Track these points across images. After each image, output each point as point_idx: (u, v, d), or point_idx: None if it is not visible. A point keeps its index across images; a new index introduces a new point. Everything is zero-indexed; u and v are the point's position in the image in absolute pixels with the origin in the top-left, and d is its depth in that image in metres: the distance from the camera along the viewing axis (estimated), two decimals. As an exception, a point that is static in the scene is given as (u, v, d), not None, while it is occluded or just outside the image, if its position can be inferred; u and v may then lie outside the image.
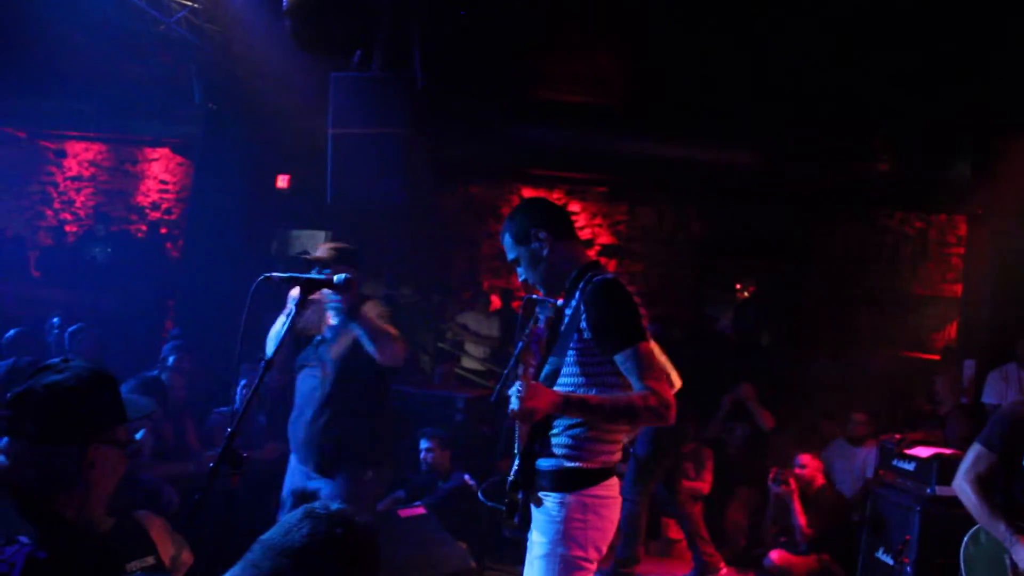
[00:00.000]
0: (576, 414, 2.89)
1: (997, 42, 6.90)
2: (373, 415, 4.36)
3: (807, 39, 7.35)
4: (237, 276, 9.35)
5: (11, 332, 5.60)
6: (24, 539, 1.88)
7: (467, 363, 10.14)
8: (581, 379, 2.95)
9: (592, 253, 11.82)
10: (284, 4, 6.58)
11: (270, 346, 4.07)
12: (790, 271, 11.35)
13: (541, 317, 3.17)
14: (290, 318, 3.08)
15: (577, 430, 2.95)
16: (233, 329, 7.61)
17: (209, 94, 8.59)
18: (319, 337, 4.40)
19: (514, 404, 2.80)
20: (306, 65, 7.47)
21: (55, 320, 7.39)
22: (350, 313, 4.09)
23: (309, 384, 4.36)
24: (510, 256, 3.18)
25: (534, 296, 4.98)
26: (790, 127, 9.01)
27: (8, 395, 2.20)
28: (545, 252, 3.09)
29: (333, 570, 1.65)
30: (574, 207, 11.81)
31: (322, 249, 4.22)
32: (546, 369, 3.04)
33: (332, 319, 4.33)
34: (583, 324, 2.93)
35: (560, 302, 5.19)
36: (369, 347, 4.08)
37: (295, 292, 3.67)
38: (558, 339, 3.05)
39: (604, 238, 11.83)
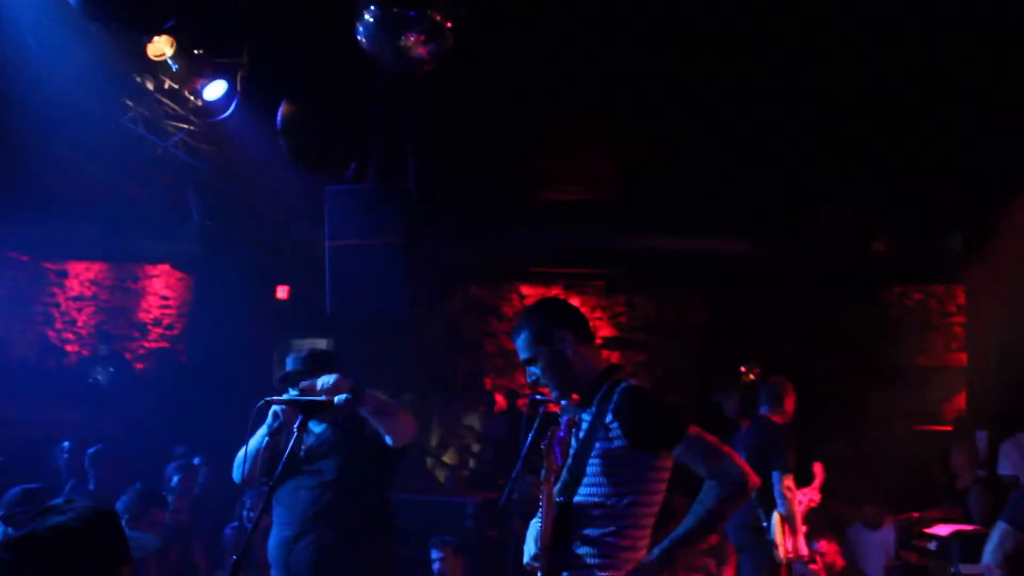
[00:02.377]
0: (681, 559, 2.86)
1: (984, 115, 7.05)
2: (384, 530, 4.06)
3: (795, 125, 7.51)
4: (240, 388, 9.41)
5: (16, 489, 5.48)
6: None
7: (474, 465, 10.04)
8: (608, 488, 2.90)
9: (595, 346, 11.84)
10: (279, 123, 6.74)
11: (243, 466, 3.84)
12: (795, 352, 11.33)
13: (563, 420, 3.14)
14: (292, 440, 3.00)
15: (611, 539, 2.89)
16: (237, 445, 7.58)
17: (207, 211, 8.72)
18: (304, 446, 4.01)
19: None
20: (302, 178, 7.61)
21: (65, 444, 7.34)
22: (353, 402, 3.80)
23: (302, 499, 3.94)
24: (524, 355, 3.12)
25: (538, 396, 4.98)
26: (784, 211, 9.13)
27: (10, 536, 2.17)
28: (568, 354, 3.04)
29: None
30: (573, 301, 11.79)
31: (292, 362, 4.01)
32: (564, 476, 3.01)
33: (315, 427, 4.03)
34: (614, 433, 2.88)
35: (564, 402, 5.19)
36: (379, 427, 3.84)
37: (276, 408, 3.67)
38: (576, 445, 3.02)
39: (605, 331, 11.84)
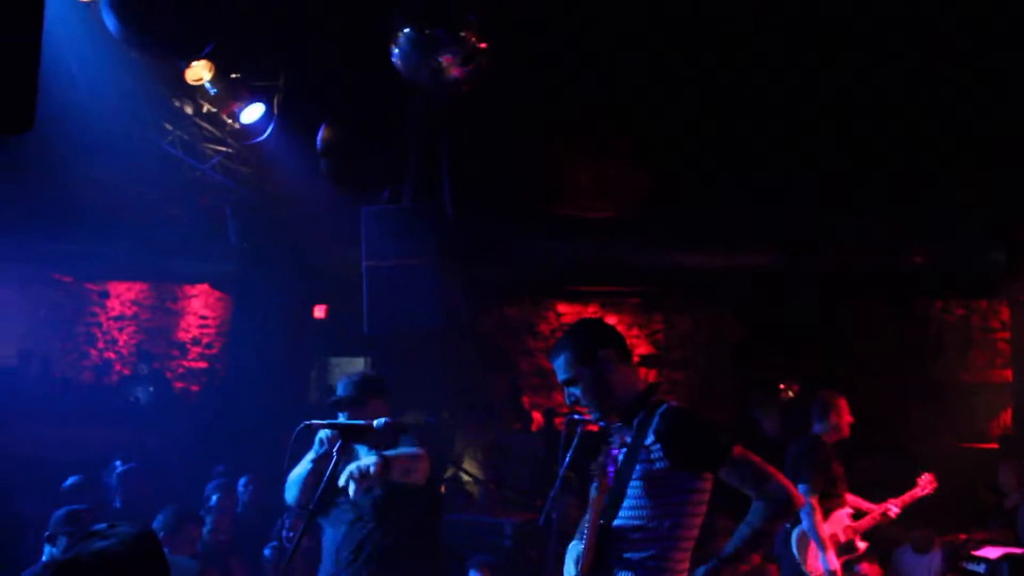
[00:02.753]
0: (729, 572, 2.85)
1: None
2: (428, 559, 3.93)
3: (833, 136, 7.46)
4: (278, 407, 9.48)
5: (69, 480, 5.60)
6: None
7: (513, 484, 10.00)
8: (650, 511, 2.88)
9: (632, 365, 11.80)
10: (319, 145, 6.80)
11: (292, 490, 3.84)
12: (833, 368, 11.19)
13: (615, 439, 3.10)
14: (332, 464, 3.00)
15: (652, 563, 2.87)
16: (277, 462, 7.58)
17: (245, 232, 8.82)
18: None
19: None
20: (338, 198, 7.67)
21: (117, 463, 7.43)
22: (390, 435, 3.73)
23: (343, 534, 3.87)
24: (565, 376, 3.08)
25: (576, 415, 4.94)
26: (821, 224, 9.04)
27: (55, 560, 2.19)
28: (609, 375, 3.02)
29: None
30: (610, 319, 11.80)
31: (343, 387, 3.93)
32: (603, 500, 2.98)
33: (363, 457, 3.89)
34: (655, 455, 2.87)
35: (604, 422, 5.14)
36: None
37: (323, 433, 3.65)
38: (616, 468, 3.00)
39: (642, 348, 11.77)
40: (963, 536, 5.99)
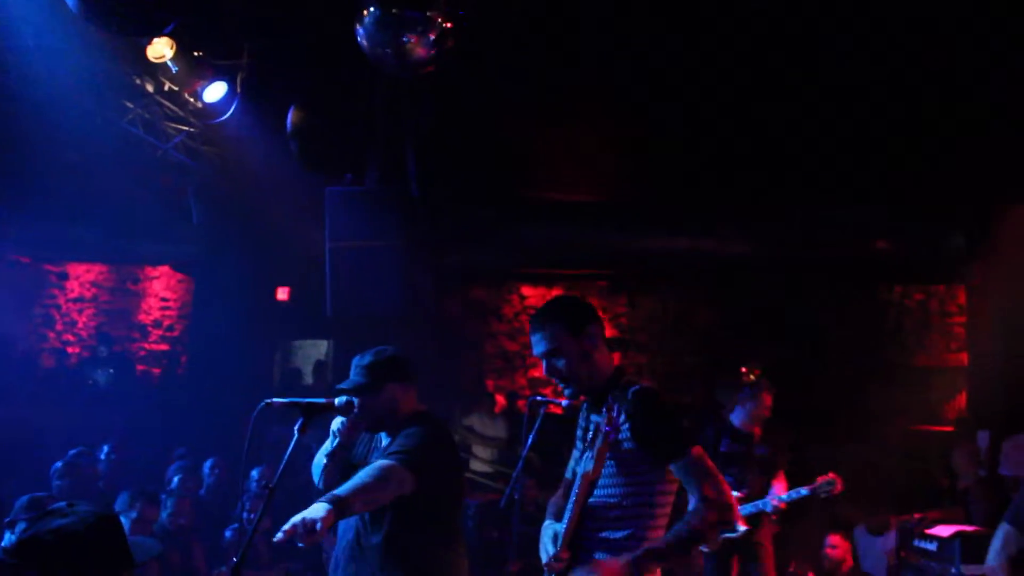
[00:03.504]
0: (650, 568, 2.78)
1: (988, 115, 7.05)
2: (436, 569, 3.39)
3: (799, 124, 7.51)
4: (241, 389, 9.42)
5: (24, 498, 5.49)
6: None
7: (475, 466, 10.04)
8: (624, 488, 2.88)
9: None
10: (288, 128, 6.73)
11: (315, 473, 3.56)
12: (796, 351, 11.33)
13: (601, 418, 2.99)
14: (292, 444, 2.91)
15: (629, 542, 2.85)
16: (239, 444, 7.55)
17: (207, 213, 8.73)
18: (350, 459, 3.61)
19: None
20: (302, 180, 7.61)
21: (106, 447, 7.38)
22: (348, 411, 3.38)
23: (347, 536, 3.46)
24: (549, 347, 3.01)
25: (539, 397, 4.95)
26: (786, 210, 9.13)
27: (14, 540, 2.18)
28: (595, 351, 3.00)
29: None
30: (575, 301, 11.84)
31: (353, 369, 3.53)
32: (577, 482, 2.96)
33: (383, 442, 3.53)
34: (623, 435, 2.86)
35: (566, 402, 5.15)
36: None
37: (336, 424, 3.47)
38: (587, 448, 2.96)
39: (607, 331, 11.83)
40: (917, 515, 6.11)
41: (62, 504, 2.28)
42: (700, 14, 6.30)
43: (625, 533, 2.86)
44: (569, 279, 11.61)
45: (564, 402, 5.12)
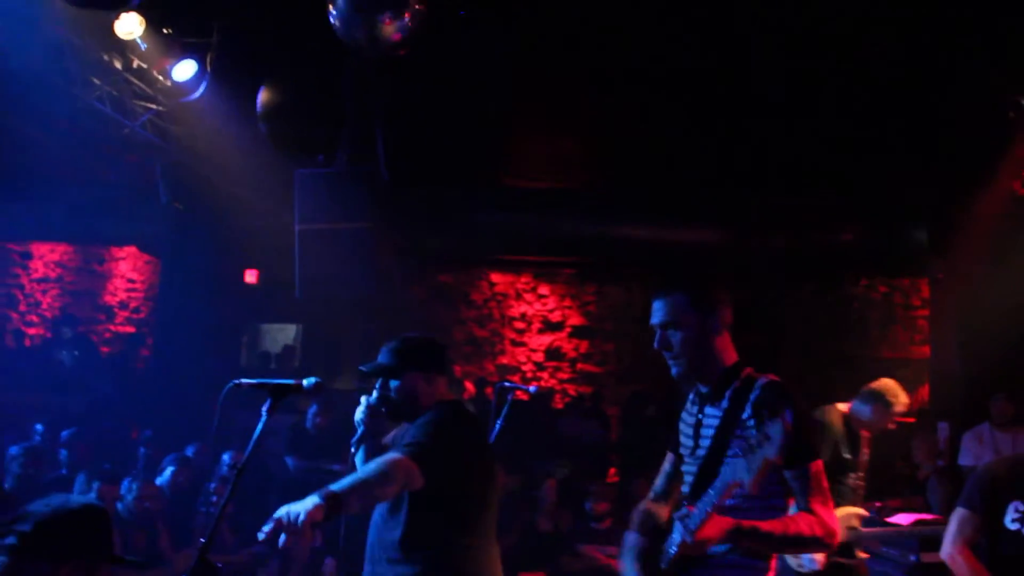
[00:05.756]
0: (747, 544, 2.56)
1: (949, 111, 7.14)
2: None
3: (766, 116, 7.57)
4: (208, 373, 9.35)
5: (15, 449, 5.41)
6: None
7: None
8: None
9: (564, 335, 11.90)
10: (258, 107, 6.67)
11: (357, 463, 3.40)
12: (761, 342, 11.43)
13: (693, 405, 2.83)
14: (260, 424, 2.83)
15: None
16: (205, 427, 7.49)
17: (175, 193, 8.63)
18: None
19: (684, 534, 2.48)
20: (271, 162, 7.55)
21: (38, 427, 7.29)
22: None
23: (374, 526, 3.28)
24: (669, 318, 2.76)
25: (507, 383, 4.94)
26: (753, 202, 9.19)
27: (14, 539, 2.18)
28: (716, 334, 2.75)
29: None
30: (543, 290, 11.87)
31: (382, 351, 3.36)
32: (690, 478, 2.75)
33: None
34: (752, 431, 2.59)
35: (533, 388, 5.14)
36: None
37: (359, 413, 3.32)
38: (701, 441, 2.73)
39: (575, 319, 11.88)
40: (878, 504, 6.17)
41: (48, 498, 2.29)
42: (681, 7, 6.32)
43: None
44: (538, 266, 11.63)
45: (532, 388, 5.13)
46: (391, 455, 2.96)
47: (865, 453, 5.55)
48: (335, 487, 2.68)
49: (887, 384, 5.43)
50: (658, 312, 2.78)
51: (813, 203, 9.23)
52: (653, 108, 7.79)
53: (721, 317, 2.76)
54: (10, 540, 2.12)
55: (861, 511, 5.25)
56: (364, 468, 2.94)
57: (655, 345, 2.79)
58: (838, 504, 5.03)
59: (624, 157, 8.75)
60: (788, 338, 11.31)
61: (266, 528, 2.48)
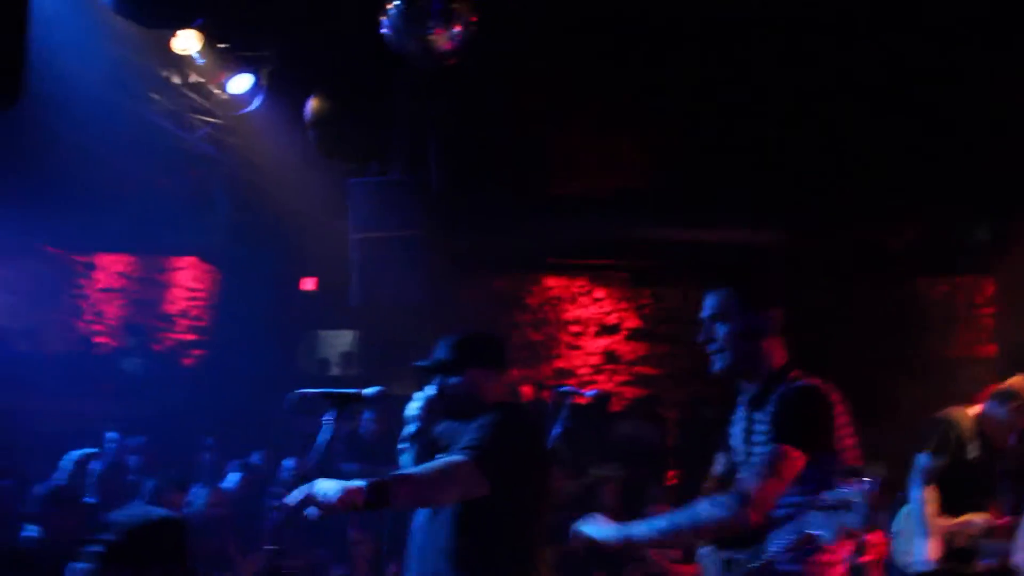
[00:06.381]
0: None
1: (1016, 106, 6.99)
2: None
3: (825, 113, 7.47)
4: (267, 379, 9.50)
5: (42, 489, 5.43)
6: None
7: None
8: (792, 497, 2.56)
9: (620, 338, 11.85)
10: (307, 117, 6.78)
11: (404, 462, 3.33)
12: (822, 343, 11.26)
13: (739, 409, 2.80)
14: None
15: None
16: (265, 433, 7.62)
17: (233, 204, 8.80)
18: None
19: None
20: (326, 170, 7.66)
21: (111, 435, 7.47)
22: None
23: (419, 530, 3.16)
24: (718, 312, 2.77)
25: (565, 388, 4.94)
26: (811, 202, 9.07)
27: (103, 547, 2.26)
28: (765, 337, 2.73)
29: None
30: (599, 293, 11.84)
31: (440, 348, 3.24)
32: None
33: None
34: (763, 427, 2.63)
35: (592, 392, 5.13)
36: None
37: (412, 408, 3.25)
38: (753, 448, 2.70)
39: (631, 322, 11.82)
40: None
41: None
42: (736, 5, 6.27)
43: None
44: (592, 269, 11.62)
45: (590, 392, 5.14)
46: (453, 457, 2.82)
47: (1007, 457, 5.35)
48: (387, 478, 2.62)
49: (1022, 383, 5.30)
50: (708, 305, 2.80)
51: (873, 201, 9.09)
52: (705, 107, 7.73)
53: (771, 317, 2.74)
54: (97, 548, 2.20)
55: (982, 518, 5.06)
56: (423, 466, 2.84)
57: (699, 338, 2.80)
58: (960, 511, 4.94)
59: (678, 158, 8.69)
60: (848, 339, 11.12)
61: (297, 496, 2.48)
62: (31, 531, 4.44)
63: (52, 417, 8.89)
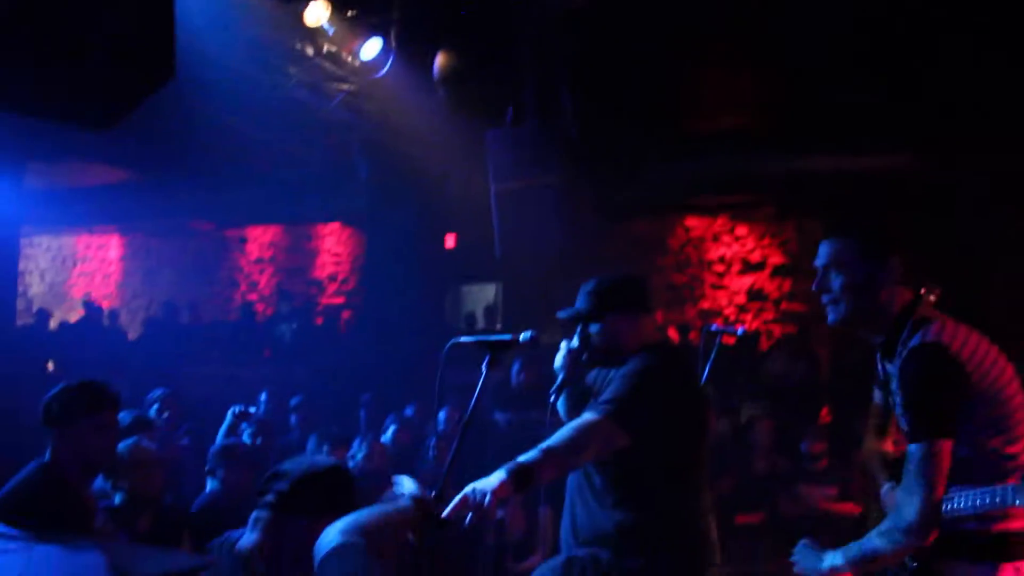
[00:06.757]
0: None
1: None
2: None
3: (963, 32, 7.04)
4: (415, 336, 9.76)
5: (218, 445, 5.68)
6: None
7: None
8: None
9: (765, 275, 11.57)
10: (435, 74, 6.85)
11: (560, 410, 3.33)
12: (973, 274, 10.68)
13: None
14: (480, 383, 2.84)
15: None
16: (416, 388, 7.79)
17: (372, 167, 9.01)
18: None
19: None
20: (462, 126, 7.73)
21: (262, 396, 7.85)
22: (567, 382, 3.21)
23: (574, 475, 3.12)
24: (832, 260, 2.66)
25: (713, 327, 4.85)
26: (957, 126, 8.57)
27: (273, 497, 2.34)
28: (884, 287, 2.59)
29: None
30: (740, 231, 11.58)
31: (579, 296, 3.20)
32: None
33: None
34: (895, 387, 2.54)
35: (740, 330, 5.01)
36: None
37: (559, 359, 3.23)
38: (894, 398, 2.61)
39: (775, 258, 11.52)
40: None
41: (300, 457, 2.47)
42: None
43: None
44: (734, 207, 11.36)
45: (738, 330, 5.02)
46: (588, 417, 2.83)
47: None
48: (525, 459, 2.61)
49: None
50: (823, 254, 2.68)
51: (1017, 122, 8.50)
52: (839, 33, 7.38)
53: (890, 266, 2.60)
54: (270, 498, 2.29)
55: None
56: (559, 434, 2.78)
57: (813, 287, 2.70)
58: None
59: (815, 87, 8.34)
60: (998, 270, 10.49)
61: (452, 505, 2.45)
62: (211, 485, 4.72)
63: (214, 382, 9.39)
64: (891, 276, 2.60)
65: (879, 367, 2.73)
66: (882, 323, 2.61)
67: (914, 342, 2.49)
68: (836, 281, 2.63)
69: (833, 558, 2.61)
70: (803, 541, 2.80)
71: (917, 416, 2.44)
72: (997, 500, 2.41)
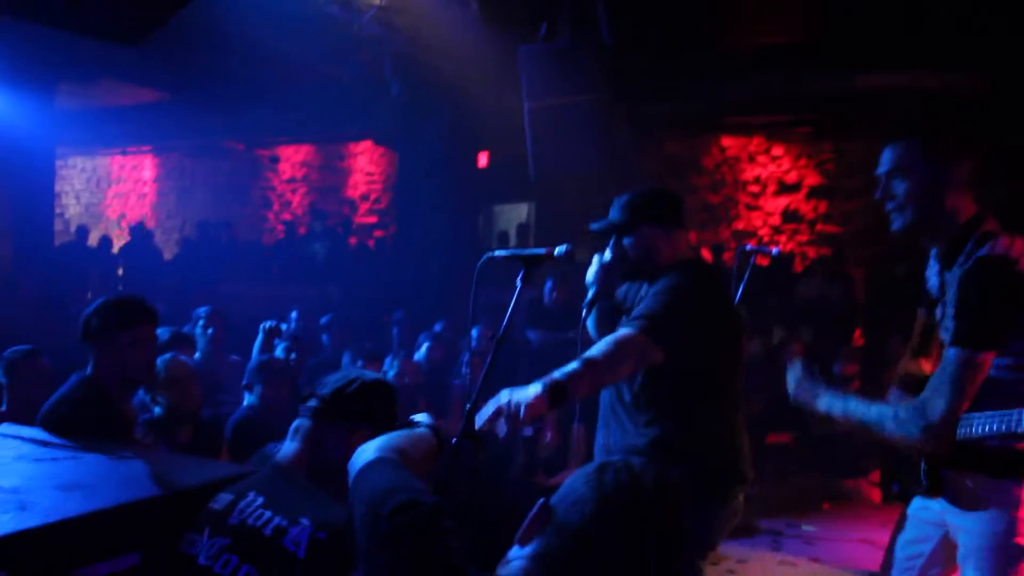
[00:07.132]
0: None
1: None
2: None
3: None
4: (448, 254, 9.79)
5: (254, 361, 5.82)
6: (306, 521, 2.04)
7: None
8: (1000, 359, 2.46)
9: (801, 196, 11.41)
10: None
11: (589, 327, 3.31)
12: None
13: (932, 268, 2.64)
14: (515, 296, 2.81)
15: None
16: (448, 306, 7.84)
17: (404, 84, 8.90)
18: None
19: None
20: (495, 42, 7.58)
21: (293, 314, 7.92)
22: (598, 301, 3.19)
23: (607, 392, 3.13)
24: (896, 166, 2.58)
25: (747, 247, 4.78)
26: (1009, 41, 8.25)
27: (317, 402, 2.36)
28: (948, 190, 2.52)
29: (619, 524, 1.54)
30: (776, 151, 11.39)
31: (612, 208, 3.14)
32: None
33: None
34: (950, 296, 2.48)
35: (775, 251, 4.95)
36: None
37: (591, 274, 3.19)
38: (948, 310, 2.54)
39: (811, 179, 11.34)
40: None
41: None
42: None
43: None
44: (769, 127, 11.15)
45: (773, 250, 4.95)
46: (622, 332, 2.78)
47: None
48: (559, 374, 2.56)
49: None
50: (885, 160, 2.61)
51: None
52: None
53: (956, 170, 2.52)
54: (313, 403, 2.33)
55: None
56: (592, 348, 2.74)
57: (877, 195, 2.63)
58: None
59: (857, 2, 8.08)
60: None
61: (485, 415, 2.45)
62: (248, 399, 4.81)
63: (250, 300, 9.49)
64: (960, 179, 2.52)
65: (934, 279, 2.67)
66: (947, 231, 2.55)
67: (981, 252, 2.43)
68: (900, 187, 2.57)
69: (832, 404, 2.70)
70: (803, 371, 2.86)
71: (969, 323, 2.40)
72: (1013, 425, 2.38)
